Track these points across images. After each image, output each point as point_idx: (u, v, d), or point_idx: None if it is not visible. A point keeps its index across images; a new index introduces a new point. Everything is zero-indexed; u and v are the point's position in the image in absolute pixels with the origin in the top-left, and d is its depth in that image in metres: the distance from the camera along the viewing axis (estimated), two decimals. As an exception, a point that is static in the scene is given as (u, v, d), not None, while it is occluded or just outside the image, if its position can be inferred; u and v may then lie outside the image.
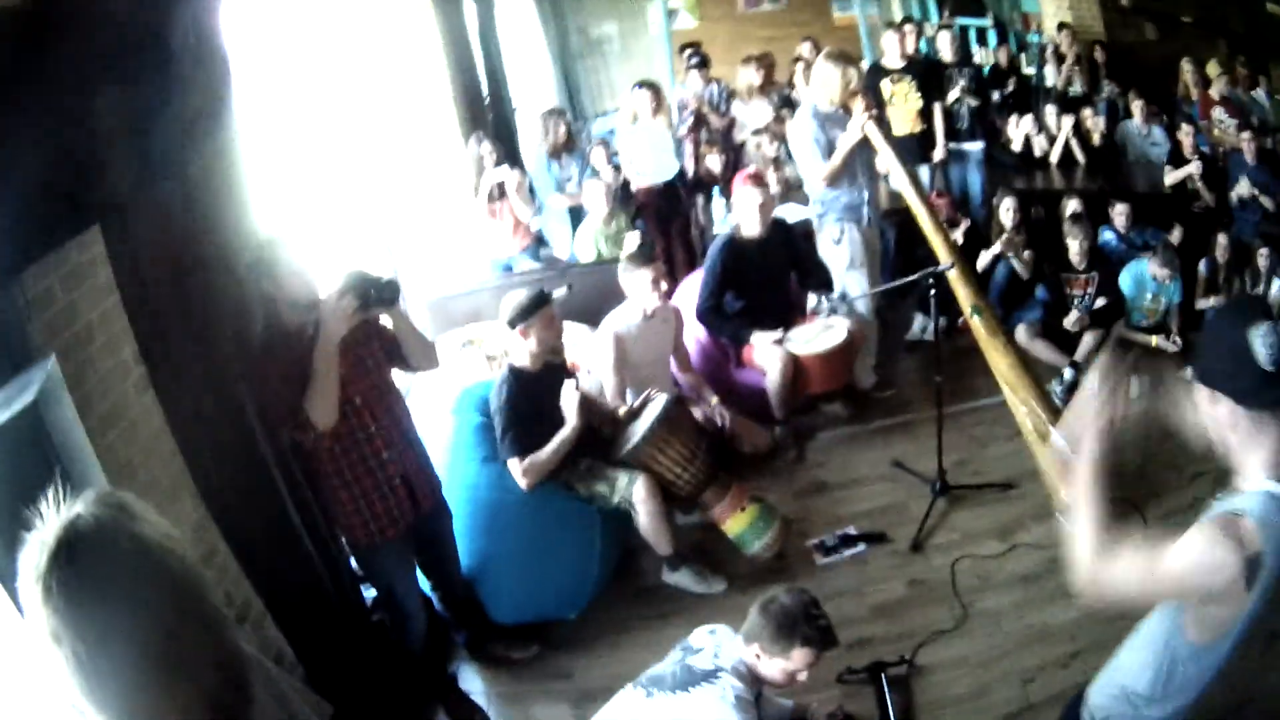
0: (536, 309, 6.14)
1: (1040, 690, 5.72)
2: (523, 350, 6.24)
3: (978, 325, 7.12)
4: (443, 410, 6.93)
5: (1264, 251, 9.64)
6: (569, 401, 6.32)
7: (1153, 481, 7.41)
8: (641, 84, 10.09)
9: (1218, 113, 11.77)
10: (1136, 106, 11.87)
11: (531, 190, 9.99)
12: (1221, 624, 3.01)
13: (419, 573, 5.81)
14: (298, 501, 5.11)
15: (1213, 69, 12.16)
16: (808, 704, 5.26)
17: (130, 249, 4.15)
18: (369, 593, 5.98)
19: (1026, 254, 9.52)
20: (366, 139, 9.26)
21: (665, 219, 9.96)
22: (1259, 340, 2.85)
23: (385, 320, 5.19)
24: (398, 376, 5.49)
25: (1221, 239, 9.74)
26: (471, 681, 6.12)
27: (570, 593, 6.36)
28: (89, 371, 3.98)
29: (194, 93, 4.33)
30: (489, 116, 11.29)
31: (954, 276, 7.13)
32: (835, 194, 7.96)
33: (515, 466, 6.12)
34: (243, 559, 4.87)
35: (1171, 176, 10.89)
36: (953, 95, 11.07)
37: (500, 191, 9.60)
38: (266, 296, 4.83)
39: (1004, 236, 9.40)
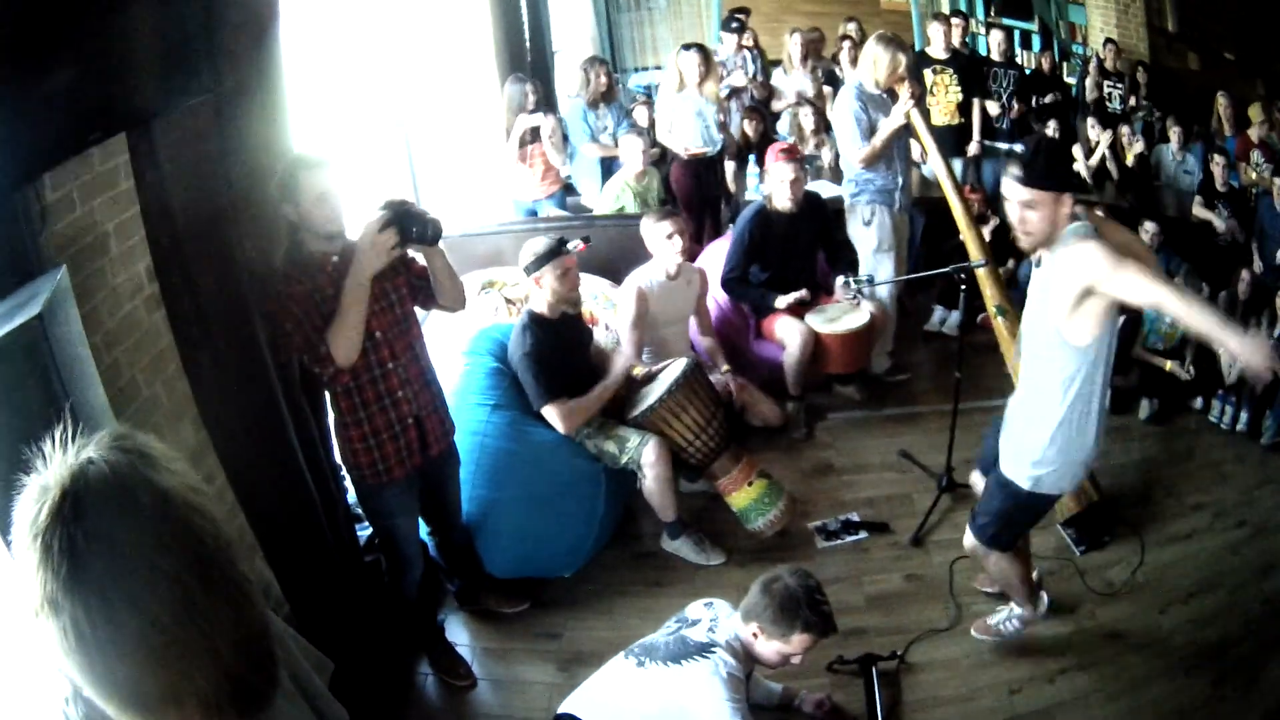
0: (551, 258, 6.01)
1: (1025, 703, 5.58)
2: (540, 298, 6.07)
3: (1000, 326, 7.07)
4: (454, 351, 6.70)
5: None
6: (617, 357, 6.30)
7: (1155, 508, 7.33)
8: (690, 46, 9.62)
9: (1255, 155, 11.44)
10: (1174, 132, 11.66)
11: (565, 137, 9.78)
12: (1101, 315, 4.32)
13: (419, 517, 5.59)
14: (302, 436, 4.94)
15: (1254, 113, 11.80)
16: (796, 690, 5.19)
17: (155, 161, 3.92)
18: (363, 533, 5.82)
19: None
20: (405, 72, 9.06)
21: (697, 193, 9.60)
22: None
23: (416, 255, 4.93)
24: (417, 314, 5.23)
25: (1245, 275, 9.50)
26: (458, 633, 5.98)
27: (568, 550, 6.22)
28: (100, 285, 3.78)
29: (236, 7, 4.17)
30: (528, 59, 11.05)
31: (983, 274, 7.05)
32: (870, 176, 7.78)
33: (554, 411, 6.03)
34: (239, 489, 4.68)
35: (1199, 211, 10.73)
36: (992, 103, 10.92)
37: (533, 135, 9.37)
38: (290, 222, 4.57)
39: None
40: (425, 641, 5.74)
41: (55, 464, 1.55)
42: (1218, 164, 10.68)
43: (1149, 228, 9.57)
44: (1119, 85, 12.42)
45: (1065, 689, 5.66)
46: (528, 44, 11.21)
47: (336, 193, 4.59)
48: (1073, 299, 4.25)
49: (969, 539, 5.33)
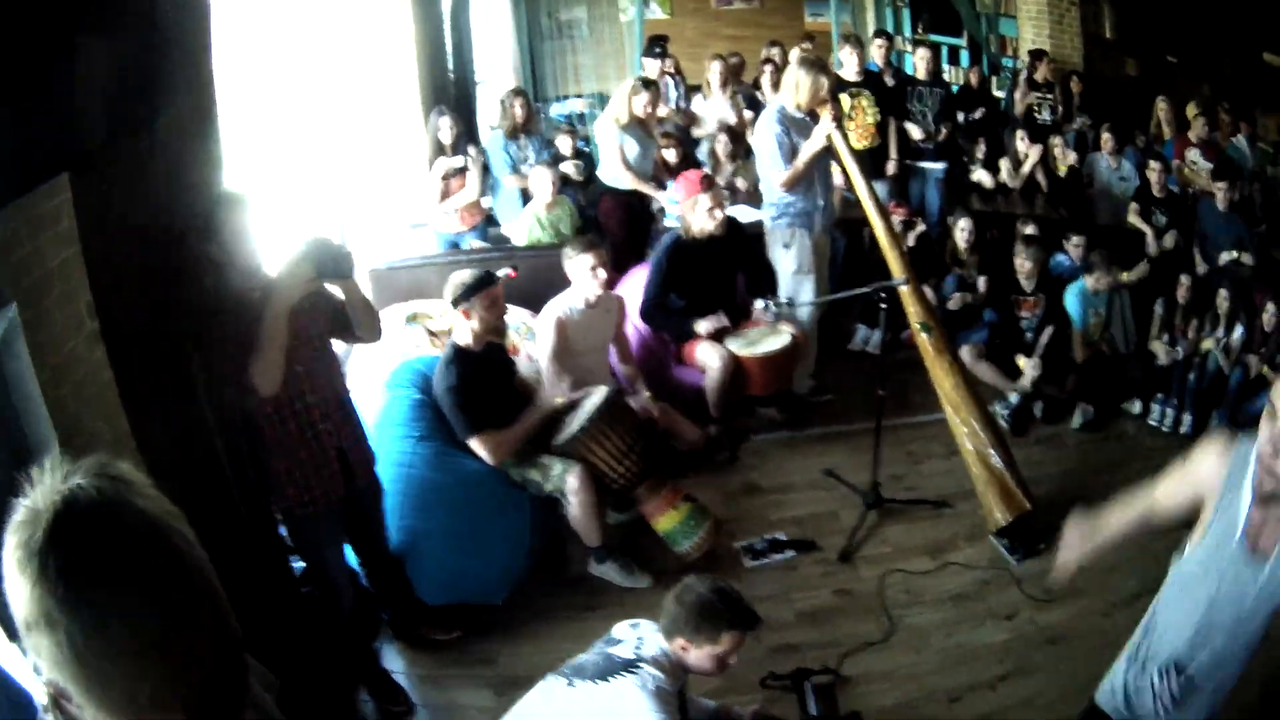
0: (480, 289, 6.32)
1: (967, 710, 5.95)
2: (465, 329, 6.40)
3: (925, 343, 7.44)
4: (377, 383, 7.08)
5: (1224, 293, 9.86)
6: (551, 387, 6.73)
7: (1094, 509, 7.63)
8: (644, 84, 10.22)
9: (1193, 154, 11.97)
10: (1107, 140, 12.02)
11: (487, 169, 10.19)
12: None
13: (349, 548, 5.93)
14: (236, 469, 5.24)
15: (1191, 110, 12.36)
16: (730, 705, 5.35)
17: (96, 199, 4.24)
18: (298, 566, 6.08)
19: (981, 281, 9.86)
20: (329, 105, 9.41)
21: (629, 224, 10.08)
22: None
23: (334, 289, 5.28)
24: (336, 346, 5.64)
25: (1184, 279, 9.96)
26: (394, 662, 6.25)
27: (497, 577, 6.52)
28: (45, 321, 4.05)
29: (173, 45, 4.49)
30: (451, 92, 11.44)
31: (905, 292, 7.43)
32: (790, 199, 8.22)
33: (480, 442, 6.38)
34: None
35: (1134, 219, 11.14)
36: (915, 115, 11.39)
37: (455, 168, 9.80)
38: (214, 259, 4.93)
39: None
40: (362, 670, 6.00)
41: (44, 490, 1.73)
42: (1154, 170, 11.11)
43: (1075, 241, 10.12)
44: (1049, 96, 12.87)
45: (1009, 695, 6.01)
46: (451, 76, 11.60)
47: (257, 230, 5.05)
48: None
49: None
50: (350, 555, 6.02)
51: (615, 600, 6.54)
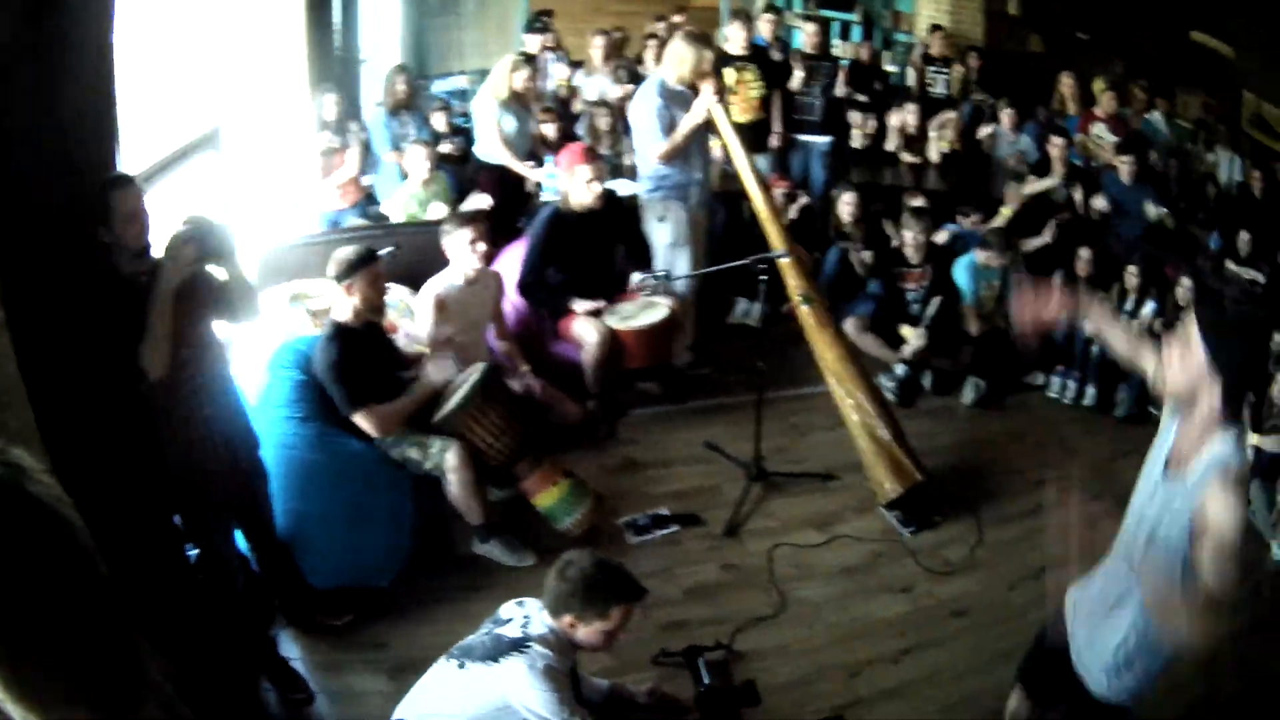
0: (362, 265, 6.33)
1: (868, 685, 6.05)
2: (346, 307, 6.42)
3: (806, 315, 7.58)
4: (258, 364, 7.04)
5: (1133, 269, 10.01)
6: (436, 363, 6.70)
7: (992, 486, 7.86)
8: (524, 59, 10.33)
9: (1099, 128, 12.20)
10: (1006, 114, 12.20)
11: (368, 146, 10.23)
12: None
13: (239, 534, 5.99)
14: (134, 457, 5.17)
15: (1099, 85, 12.58)
16: (623, 684, 5.46)
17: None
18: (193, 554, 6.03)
19: (866, 254, 10.04)
20: (217, 82, 9.26)
21: (505, 200, 10.05)
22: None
23: (216, 270, 5.32)
24: (219, 329, 5.64)
25: (1084, 253, 10.17)
26: (290, 649, 6.20)
27: (383, 559, 6.50)
28: None
29: (74, 23, 4.52)
30: (337, 70, 11.45)
31: (786, 265, 7.55)
32: (666, 172, 8.32)
33: (364, 417, 6.41)
34: (83, 512, 4.94)
35: (1031, 187, 11.21)
36: (797, 85, 11.53)
37: (337, 145, 9.85)
38: (104, 244, 4.94)
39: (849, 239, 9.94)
40: (260, 658, 5.94)
41: None
42: (1056, 145, 11.30)
43: (973, 219, 10.24)
44: (944, 71, 13.05)
45: (911, 669, 6.14)
46: (337, 54, 11.60)
47: (145, 211, 5.04)
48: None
49: None
50: (241, 541, 6.05)
51: (502, 579, 6.55)
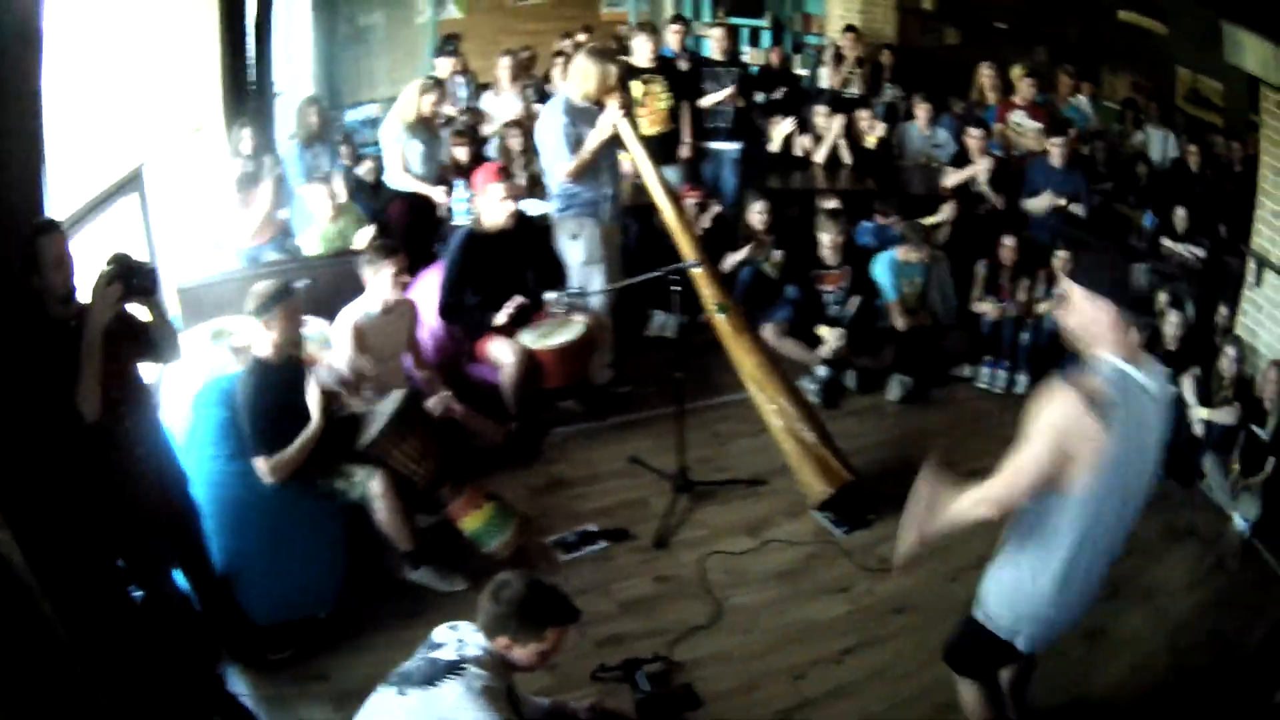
0: (279, 300, 6.31)
1: (813, 686, 6.09)
2: (265, 342, 6.39)
3: (722, 323, 7.59)
4: (183, 402, 7.02)
5: (1063, 254, 10.07)
6: (312, 399, 6.55)
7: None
8: (431, 82, 10.28)
9: (1017, 116, 12.20)
10: (921, 109, 12.29)
11: (283, 179, 10.19)
12: (1074, 471, 4.21)
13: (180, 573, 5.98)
14: (75, 500, 5.13)
15: (1016, 73, 12.61)
16: (564, 702, 5.46)
17: None
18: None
19: (777, 254, 10.09)
20: (132, 120, 9.30)
21: (418, 227, 10.08)
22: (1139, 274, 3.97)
23: (137, 310, 5.34)
24: (145, 370, 5.66)
25: (1008, 241, 10.19)
26: (238, 685, 6.16)
27: (318, 591, 6.50)
28: None
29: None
30: (252, 103, 11.42)
31: (699, 274, 7.58)
32: (576, 189, 8.36)
33: (261, 465, 6.34)
34: (28, 554, 4.98)
35: (952, 179, 11.32)
36: (709, 99, 11.53)
37: (253, 180, 9.81)
38: (34, 290, 4.93)
39: (750, 244, 10.01)
40: (210, 695, 5.93)
41: None
42: (974, 136, 11.38)
43: (884, 212, 10.32)
44: (857, 70, 13.02)
45: (855, 669, 6.18)
46: (252, 87, 11.60)
47: (70, 255, 5.04)
48: None
49: None
50: (182, 580, 6.04)
51: (437, 605, 6.49)
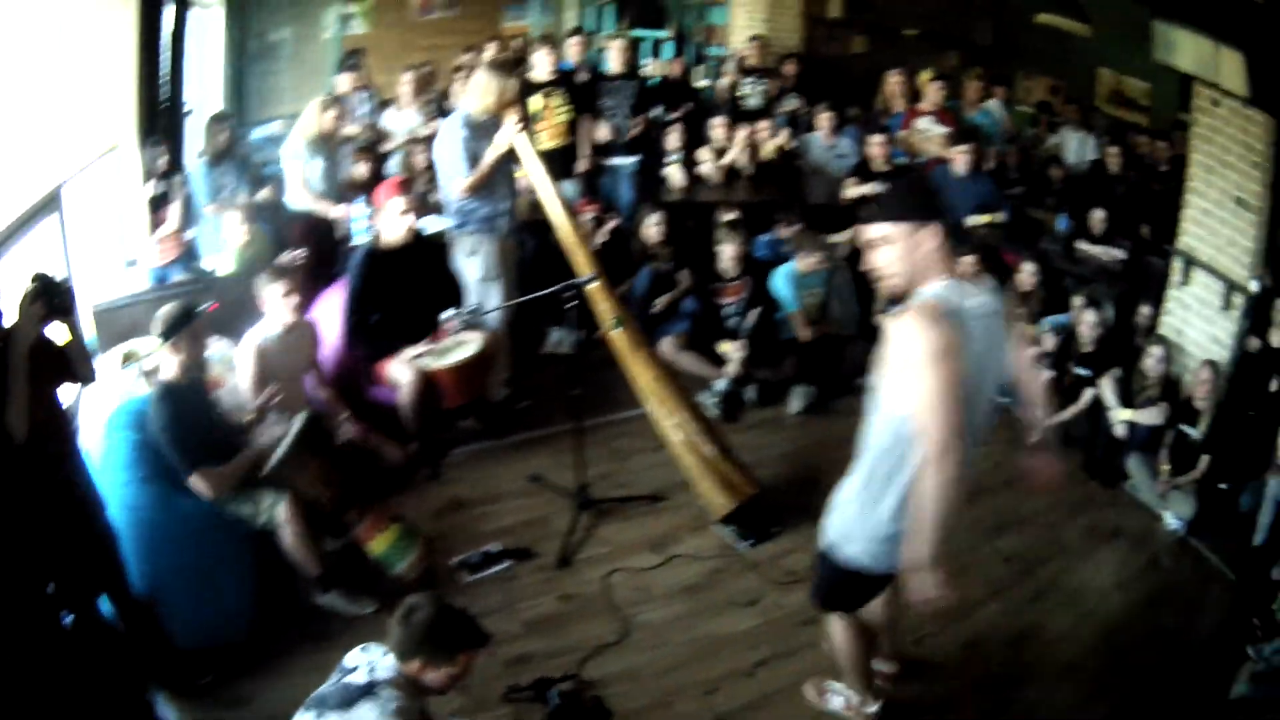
0: (184, 323, 6.33)
1: (727, 700, 6.15)
2: (173, 364, 6.40)
3: (619, 339, 7.60)
4: (98, 427, 6.99)
5: (967, 260, 10.11)
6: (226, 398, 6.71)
7: (829, 491, 7.75)
8: (331, 98, 10.30)
9: (923, 122, 12.28)
10: (824, 118, 12.18)
11: (190, 199, 10.16)
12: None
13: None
14: (11, 522, 5.18)
15: (924, 78, 12.72)
16: None
17: None
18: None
19: (684, 273, 10.08)
20: (50, 141, 9.21)
21: (320, 246, 10.00)
22: None
23: (56, 331, 5.35)
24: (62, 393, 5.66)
25: None
26: (167, 712, 6.15)
27: (233, 616, 6.47)
28: None
29: None
30: (164, 121, 11.32)
31: (594, 290, 7.59)
32: (473, 205, 8.34)
33: (198, 480, 6.35)
34: None
35: (853, 190, 11.31)
36: (608, 111, 11.58)
37: (161, 200, 9.84)
38: None
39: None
40: None
41: None
42: (877, 143, 11.41)
43: (790, 230, 10.33)
44: (760, 82, 13.02)
45: (769, 681, 6.25)
46: (164, 106, 11.49)
47: None
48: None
49: None
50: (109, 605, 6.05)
51: (350, 628, 6.50)
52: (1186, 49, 8.72)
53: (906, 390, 4.33)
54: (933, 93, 12.35)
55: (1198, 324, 9.31)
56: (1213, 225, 9.11)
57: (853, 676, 5.76)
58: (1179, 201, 9.60)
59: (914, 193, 4.65)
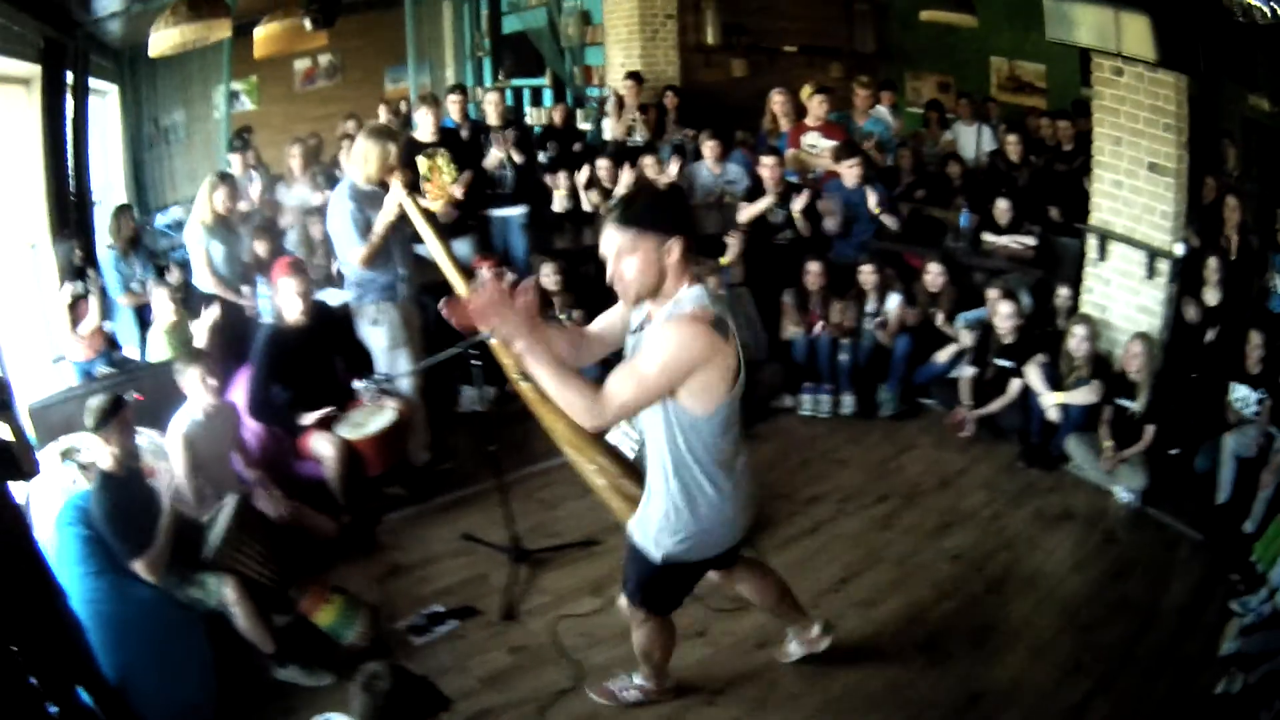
0: (113, 413, 6.39)
1: None
2: (107, 455, 6.44)
3: (527, 391, 7.48)
4: (48, 524, 6.95)
5: (867, 268, 10.28)
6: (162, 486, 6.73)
7: (762, 515, 7.72)
8: (221, 177, 10.17)
9: (810, 138, 12.31)
10: (708, 147, 12.25)
11: (105, 291, 10.11)
12: (714, 387, 4.56)
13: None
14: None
15: (805, 93, 12.73)
16: None
17: None
18: None
19: (576, 314, 10.14)
20: None
21: (231, 329, 9.87)
22: None
23: None
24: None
25: (813, 266, 10.36)
26: None
27: (195, 699, 6.47)
28: None
29: None
30: (74, 215, 11.26)
31: (497, 344, 7.43)
32: (371, 275, 8.35)
33: (141, 565, 6.41)
34: None
35: (745, 213, 11.31)
36: (490, 162, 11.62)
37: (82, 295, 9.74)
38: None
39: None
40: None
41: None
42: (766, 165, 11.34)
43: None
44: (641, 117, 13.16)
45: (731, 708, 6.30)
46: (73, 199, 11.44)
47: None
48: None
49: None
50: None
51: (311, 701, 6.39)
52: (1084, 23, 8.81)
53: (688, 387, 4.56)
54: (815, 107, 12.38)
55: (1122, 297, 9.52)
56: (1126, 196, 9.31)
57: (650, 669, 6.07)
58: (1087, 178, 9.81)
59: (664, 204, 4.77)
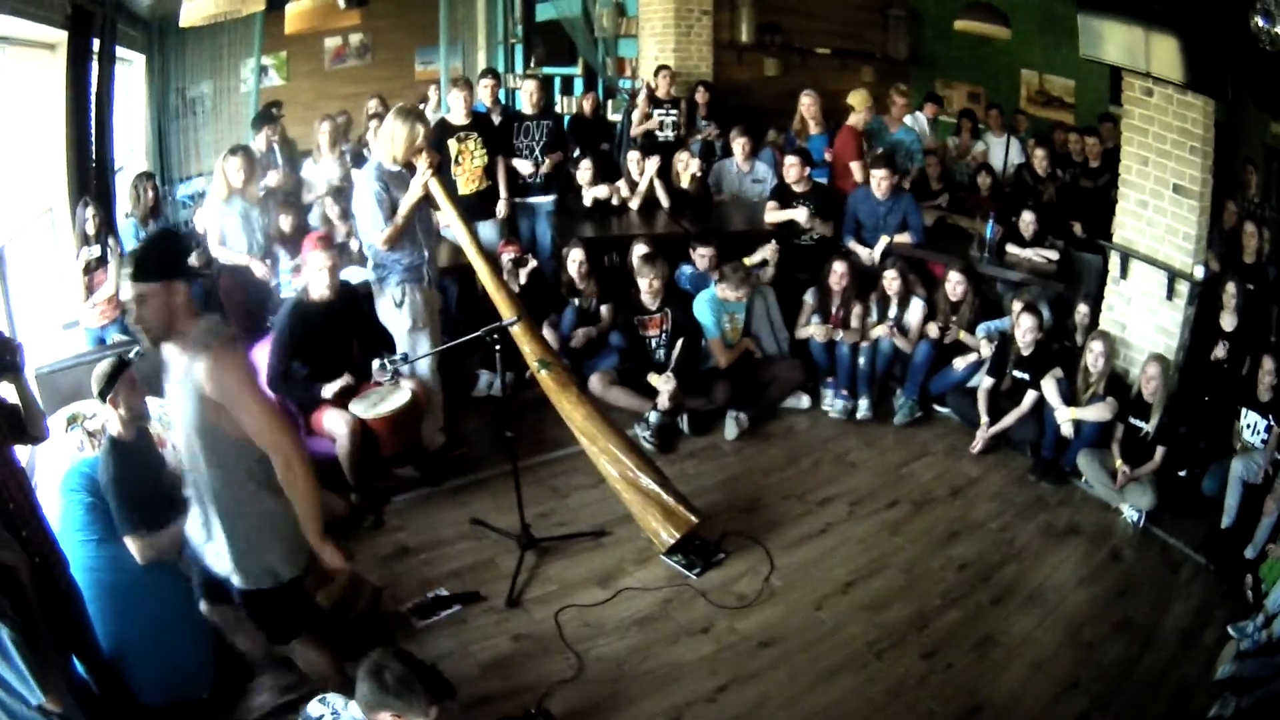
0: (118, 376, 6.31)
1: None
2: (115, 420, 6.35)
3: (546, 379, 7.62)
4: (53, 490, 6.87)
5: (891, 274, 10.24)
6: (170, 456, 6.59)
7: (773, 515, 8.04)
8: (234, 150, 10.13)
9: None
10: (738, 144, 12.25)
11: (124, 259, 10.04)
12: None
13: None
14: None
15: (855, 98, 12.49)
16: None
17: None
18: None
19: (604, 308, 10.22)
20: None
21: (249, 301, 10.13)
22: None
23: (5, 390, 5.47)
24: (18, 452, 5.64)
25: (838, 266, 10.26)
26: None
27: (195, 671, 6.45)
28: None
29: None
30: (94, 182, 11.26)
31: (518, 332, 7.62)
32: (395, 255, 8.29)
33: (131, 543, 6.29)
34: None
35: (773, 216, 11.28)
36: (523, 155, 11.66)
37: (97, 262, 9.79)
38: None
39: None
40: None
41: None
42: (792, 164, 11.29)
43: (702, 252, 10.40)
44: (672, 112, 13.11)
45: (733, 705, 6.25)
46: (94, 166, 11.40)
47: None
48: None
49: None
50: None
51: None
52: (1115, 41, 8.76)
53: (239, 414, 4.82)
54: (864, 112, 12.31)
55: (1141, 316, 9.43)
56: (1150, 216, 9.22)
57: (335, 684, 5.74)
58: (1112, 196, 9.72)
59: (165, 254, 5.02)
